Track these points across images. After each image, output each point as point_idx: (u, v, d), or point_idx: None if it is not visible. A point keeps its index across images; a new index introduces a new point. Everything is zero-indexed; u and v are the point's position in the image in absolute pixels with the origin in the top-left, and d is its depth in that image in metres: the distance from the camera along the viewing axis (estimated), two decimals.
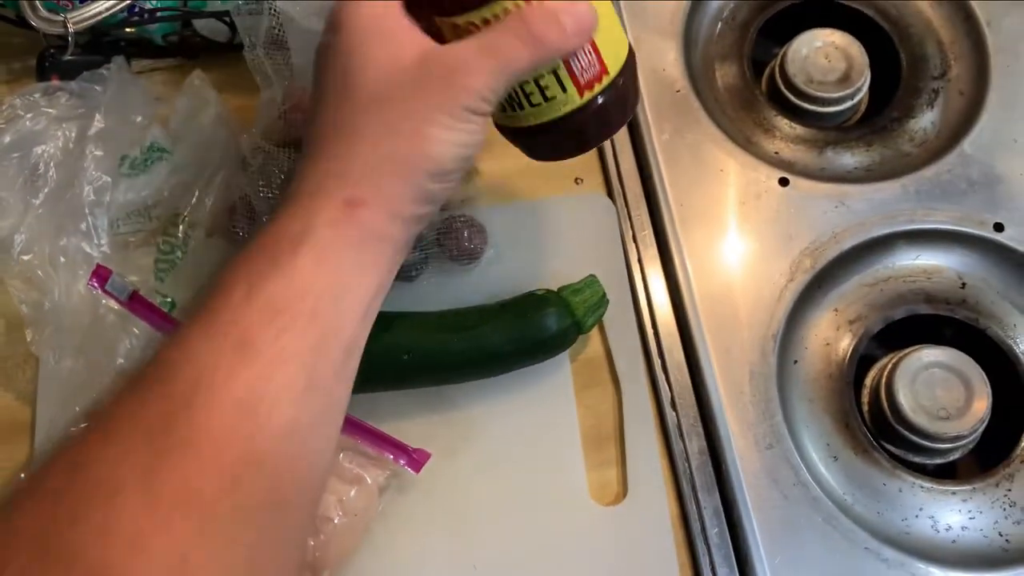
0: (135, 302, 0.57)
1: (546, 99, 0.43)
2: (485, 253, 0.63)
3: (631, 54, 0.46)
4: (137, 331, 0.58)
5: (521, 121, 0.45)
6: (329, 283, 0.39)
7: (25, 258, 0.61)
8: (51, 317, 0.61)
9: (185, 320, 0.41)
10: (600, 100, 0.44)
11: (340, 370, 0.40)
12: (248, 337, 0.37)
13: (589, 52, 0.43)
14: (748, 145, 0.68)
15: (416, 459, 0.57)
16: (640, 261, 0.64)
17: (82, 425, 0.60)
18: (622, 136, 0.68)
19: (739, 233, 0.64)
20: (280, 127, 0.61)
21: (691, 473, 0.58)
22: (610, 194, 0.67)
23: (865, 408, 0.63)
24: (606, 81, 0.44)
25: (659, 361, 0.61)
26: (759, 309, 0.62)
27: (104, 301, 0.60)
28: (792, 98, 0.70)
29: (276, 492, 0.36)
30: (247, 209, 0.62)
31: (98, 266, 0.57)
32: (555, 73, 0.42)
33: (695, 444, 0.59)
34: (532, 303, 0.59)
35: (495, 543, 0.57)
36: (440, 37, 0.42)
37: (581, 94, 0.43)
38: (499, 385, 0.60)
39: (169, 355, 0.38)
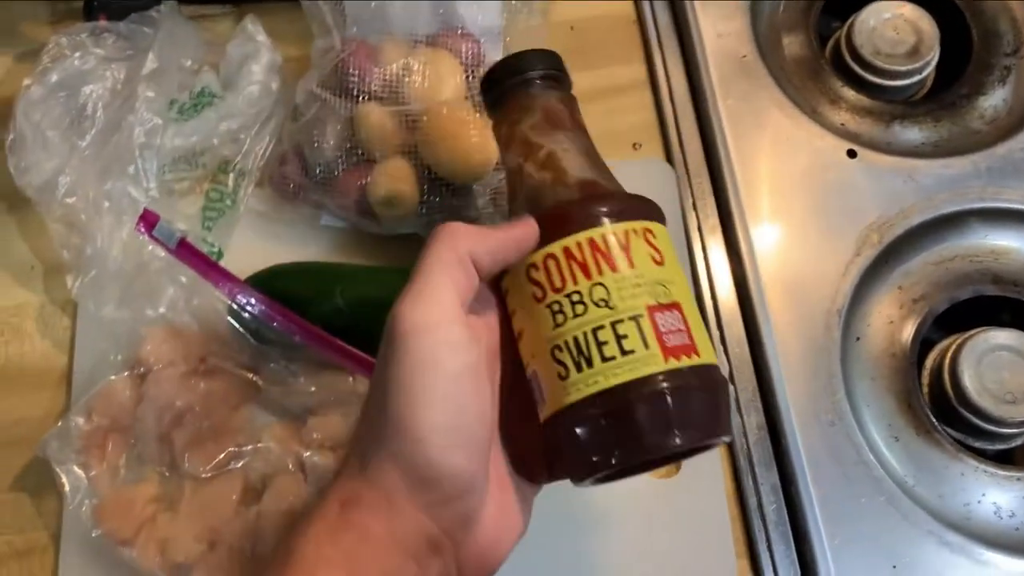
0: (183, 249, 0.55)
1: (623, 352, 0.35)
2: None
3: (722, 376, 0.38)
4: (185, 279, 0.56)
5: (580, 388, 0.35)
6: None
7: (69, 201, 0.59)
8: (93, 263, 0.59)
9: None
10: (686, 378, 0.35)
11: None
12: None
13: (677, 319, 0.36)
14: (814, 115, 0.66)
15: None
16: (700, 230, 0.62)
17: (124, 374, 0.58)
18: (683, 100, 0.66)
19: (804, 205, 0.62)
20: (336, 77, 0.59)
21: (748, 448, 0.57)
22: (669, 160, 0.65)
23: (925, 390, 0.61)
24: (697, 360, 0.36)
25: (718, 333, 0.59)
26: (823, 284, 0.60)
27: (150, 248, 0.58)
28: (858, 69, 0.68)
29: None
30: (298, 159, 0.60)
31: (146, 211, 0.55)
32: (637, 322, 0.35)
33: (753, 419, 0.57)
34: None
35: (544, 513, 0.56)
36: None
37: (665, 357, 0.35)
38: None
39: None
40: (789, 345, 0.58)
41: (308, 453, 0.55)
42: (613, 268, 0.36)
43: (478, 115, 0.58)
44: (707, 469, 0.56)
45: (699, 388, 0.36)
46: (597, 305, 0.35)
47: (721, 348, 0.59)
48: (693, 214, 0.63)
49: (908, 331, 0.61)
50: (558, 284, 0.36)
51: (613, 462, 0.36)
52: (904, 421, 0.59)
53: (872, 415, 0.59)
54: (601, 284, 0.36)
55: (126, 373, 0.58)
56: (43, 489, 0.59)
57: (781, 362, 0.58)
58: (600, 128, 0.66)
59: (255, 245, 0.62)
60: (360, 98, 0.58)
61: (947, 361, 0.60)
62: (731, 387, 0.38)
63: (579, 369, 0.35)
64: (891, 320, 0.62)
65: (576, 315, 0.35)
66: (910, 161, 0.63)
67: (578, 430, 0.35)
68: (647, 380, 0.35)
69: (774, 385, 0.57)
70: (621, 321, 0.35)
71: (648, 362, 0.35)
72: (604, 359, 0.35)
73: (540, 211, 0.38)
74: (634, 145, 0.66)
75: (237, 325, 0.56)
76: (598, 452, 0.36)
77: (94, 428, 0.57)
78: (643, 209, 0.39)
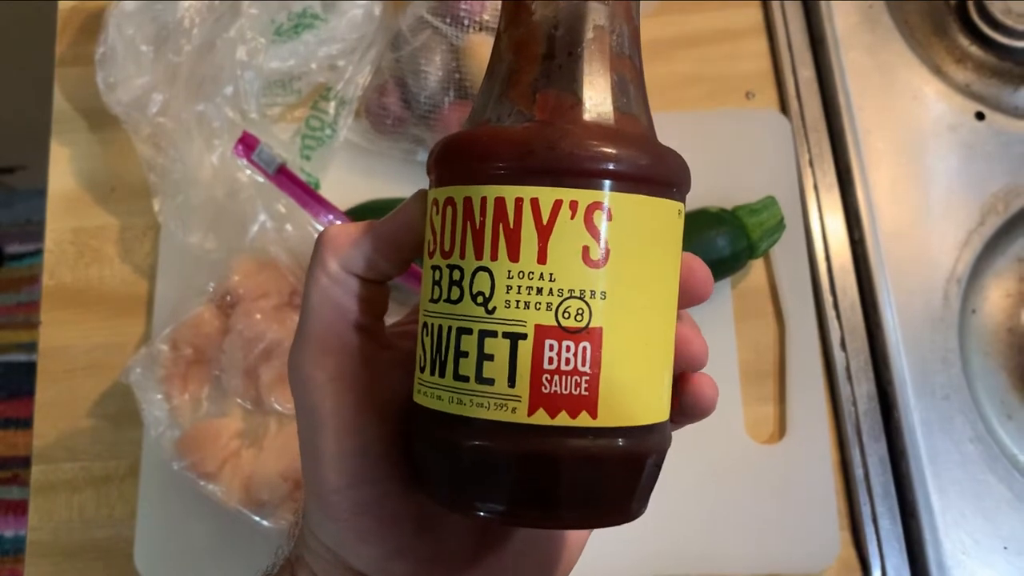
0: (282, 176, 0.53)
1: (480, 378, 0.25)
2: None
3: (660, 435, 0.27)
4: (283, 208, 0.54)
5: (425, 392, 0.26)
6: None
7: (159, 120, 0.57)
8: (181, 187, 0.57)
9: None
10: (554, 444, 0.24)
11: None
12: None
13: (582, 355, 0.24)
14: (939, 74, 0.62)
15: None
16: (816, 188, 0.59)
17: (211, 304, 0.56)
18: (802, 48, 0.63)
19: (928, 167, 0.59)
20: (447, 3, 0.55)
21: (857, 418, 0.55)
22: (784, 112, 0.62)
23: None
24: (584, 421, 0.24)
25: (830, 298, 0.57)
26: (944, 251, 0.57)
27: (241, 173, 0.56)
28: (986, 29, 0.64)
29: None
30: (399, 91, 0.57)
31: (245, 133, 0.53)
32: (513, 343, 0.24)
33: (864, 388, 0.55)
34: (704, 220, 0.55)
35: None
36: None
37: (532, 407, 0.24)
38: None
39: None
40: (906, 314, 0.56)
41: None
42: (513, 255, 0.24)
43: None
44: (812, 436, 0.54)
45: (561, 461, 0.25)
46: (474, 299, 0.25)
47: (834, 313, 0.57)
48: (809, 170, 0.60)
49: None
50: (446, 246, 0.25)
51: (436, 499, 0.26)
52: (1018, 400, 0.57)
53: (985, 391, 0.57)
54: (487, 271, 0.25)
55: (214, 303, 0.56)
56: (123, 417, 0.57)
57: (900, 331, 0.55)
58: (711, 73, 0.64)
59: (348, 179, 0.59)
60: (472, 28, 0.54)
61: None
62: (654, 463, 0.26)
63: (432, 369, 0.26)
64: (1009, 294, 0.59)
65: (449, 299, 0.25)
66: None
67: (417, 441, 0.27)
68: (493, 429, 0.24)
69: (889, 354, 0.55)
70: (494, 335, 0.24)
71: (504, 404, 0.24)
72: (456, 375, 0.25)
73: (478, 125, 0.26)
74: (747, 94, 0.62)
75: None
76: (420, 477, 0.27)
77: (178, 357, 0.55)
78: (605, 167, 0.25)
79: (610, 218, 0.25)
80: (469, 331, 0.25)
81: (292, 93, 0.59)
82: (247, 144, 0.53)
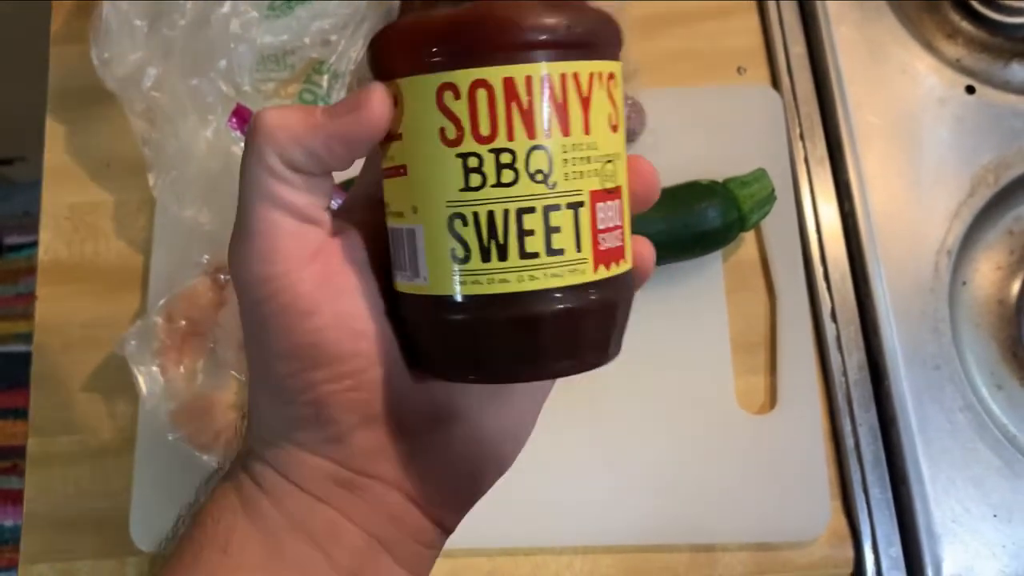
0: None
1: (550, 250, 0.26)
2: (642, 136, 0.59)
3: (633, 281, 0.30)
4: None
5: (480, 281, 0.26)
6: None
7: (154, 95, 0.57)
8: (176, 161, 0.57)
9: None
10: (610, 292, 0.27)
11: None
12: None
13: (616, 211, 0.27)
14: (929, 48, 0.62)
15: None
16: (807, 161, 0.60)
17: (206, 277, 0.56)
18: (793, 24, 0.63)
19: (918, 140, 0.59)
20: None
21: (848, 388, 0.55)
22: (776, 87, 0.62)
23: None
24: (623, 267, 0.28)
25: (821, 269, 0.57)
26: (934, 223, 0.57)
27: (236, 147, 0.56)
28: (976, 4, 0.64)
29: None
30: None
31: (239, 106, 0.53)
32: (576, 212, 0.26)
33: (855, 358, 0.55)
34: (696, 192, 0.55)
35: (633, 440, 0.54)
36: None
37: (596, 265, 0.26)
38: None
39: None
40: (896, 285, 0.56)
41: None
42: (565, 130, 0.26)
43: None
44: (803, 406, 0.55)
45: (618, 305, 0.28)
46: (532, 177, 0.25)
47: (825, 284, 0.57)
48: (800, 144, 0.60)
49: (1017, 278, 0.59)
50: (485, 132, 0.25)
51: (495, 376, 0.28)
52: (1008, 370, 0.57)
53: (975, 362, 0.57)
54: (544, 149, 0.25)
55: (208, 276, 0.56)
56: (118, 390, 0.57)
57: (890, 301, 0.55)
58: (702, 49, 0.64)
59: None
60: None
61: None
62: None
63: (486, 257, 0.26)
64: (1000, 266, 0.59)
65: (500, 183, 0.25)
66: None
67: (463, 330, 0.27)
68: (568, 292, 0.26)
69: (880, 325, 0.55)
70: (558, 208, 0.26)
71: (576, 269, 0.26)
72: (524, 254, 0.26)
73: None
74: (739, 69, 0.63)
75: None
76: (479, 362, 0.27)
77: (173, 330, 0.56)
78: (614, 37, 0.28)
79: (615, 84, 0.27)
80: (532, 209, 0.25)
81: (286, 68, 0.60)
82: (241, 117, 0.53)
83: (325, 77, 0.57)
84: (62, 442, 0.57)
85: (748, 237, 0.59)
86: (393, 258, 0.28)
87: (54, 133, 0.63)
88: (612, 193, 0.27)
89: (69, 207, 0.62)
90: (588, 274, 0.26)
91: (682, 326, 0.56)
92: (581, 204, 0.26)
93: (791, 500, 0.53)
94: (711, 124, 0.60)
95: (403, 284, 0.28)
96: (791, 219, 0.58)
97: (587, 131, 0.26)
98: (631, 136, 0.58)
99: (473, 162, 0.25)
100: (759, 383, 0.56)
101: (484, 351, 0.27)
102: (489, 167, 0.25)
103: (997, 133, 0.59)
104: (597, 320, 0.27)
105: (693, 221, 0.54)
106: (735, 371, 0.56)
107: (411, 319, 0.28)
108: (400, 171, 0.27)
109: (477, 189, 0.25)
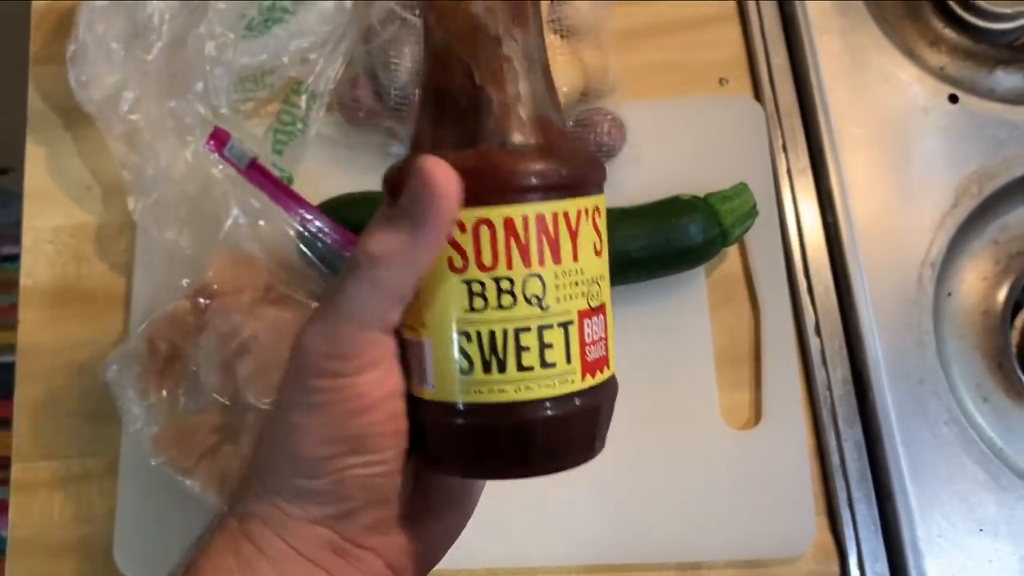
0: (254, 171, 0.53)
1: (544, 364, 0.29)
2: (622, 150, 0.58)
3: (615, 385, 0.33)
4: (257, 203, 0.54)
5: (482, 391, 0.30)
6: None
7: (132, 118, 0.57)
8: (155, 184, 0.57)
9: None
10: (596, 398, 0.31)
11: None
12: None
13: (601, 325, 0.31)
14: (912, 56, 0.62)
15: None
16: (790, 173, 0.59)
17: (187, 300, 0.56)
18: (775, 34, 0.62)
19: (901, 151, 0.59)
20: None
21: (832, 403, 0.55)
22: (758, 98, 0.62)
23: (1014, 350, 0.59)
24: (607, 374, 0.32)
25: (804, 283, 0.57)
26: (918, 234, 0.57)
27: (215, 169, 0.56)
28: (959, 10, 0.64)
29: None
30: (371, 83, 0.57)
31: (217, 128, 0.53)
32: (566, 330, 0.30)
33: (839, 372, 0.55)
34: (676, 208, 0.55)
35: (616, 457, 0.54)
36: None
37: (583, 375, 0.30)
38: (630, 295, 0.56)
39: None
40: (880, 297, 0.56)
41: None
42: (556, 259, 0.29)
43: (563, 40, 0.55)
44: (788, 422, 0.54)
45: (602, 409, 0.31)
46: (528, 302, 0.29)
47: (808, 297, 0.57)
48: (782, 156, 0.60)
49: (1002, 289, 0.58)
50: (487, 262, 0.29)
51: (490, 474, 0.32)
52: (994, 382, 0.57)
53: (960, 374, 0.57)
54: (538, 277, 0.29)
55: (189, 299, 0.56)
56: (102, 414, 0.57)
57: (873, 315, 0.55)
58: (683, 61, 0.63)
59: (321, 172, 0.59)
60: None
61: None
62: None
63: (487, 369, 0.29)
64: (985, 276, 0.59)
65: (500, 306, 0.29)
66: (1015, 109, 0.60)
67: (465, 434, 0.30)
68: (559, 401, 0.30)
69: (863, 338, 0.55)
70: (550, 327, 0.29)
71: (565, 379, 0.30)
72: (520, 367, 0.29)
73: (475, 148, 0.29)
74: (720, 80, 0.62)
75: (308, 252, 0.54)
76: (480, 460, 0.31)
77: (155, 354, 0.56)
78: (598, 175, 0.32)
79: (600, 215, 0.31)
80: (528, 329, 0.29)
81: (265, 87, 0.59)
82: (219, 139, 0.53)
83: (303, 97, 0.56)
84: (45, 467, 0.57)
85: (732, 250, 0.59)
86: (406, 365, 0.31)
87: (34, 155, 0.63)
88: (597, 310, 0.30)
89: (51, 230, 0.62)
90: (576, 383, 0.30)
91: (666, 342, 0.56)
92: (571, 323, 0.30)
93: (777, 516, 0.53)
94: (693, 137, 0.60)
95: (415, 388, 0.31)
96: (774, 232, 0.58)
97: (575, 259, 0.30)
98: (611, 153, 0.57)
99: (477, 287, 0.29)
100: (744, 398, 0.56)
101: (482, 453, 0.31)
102: (490, 292, 0.29)
103: (981, 142, 0.59)
104: (584, 424, 0.31)
105: (674, 237, 0.54)
106: (719, 386, 0.56)
107: (419, 420, 0.31)
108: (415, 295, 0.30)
109: (480, 311, 0.29)
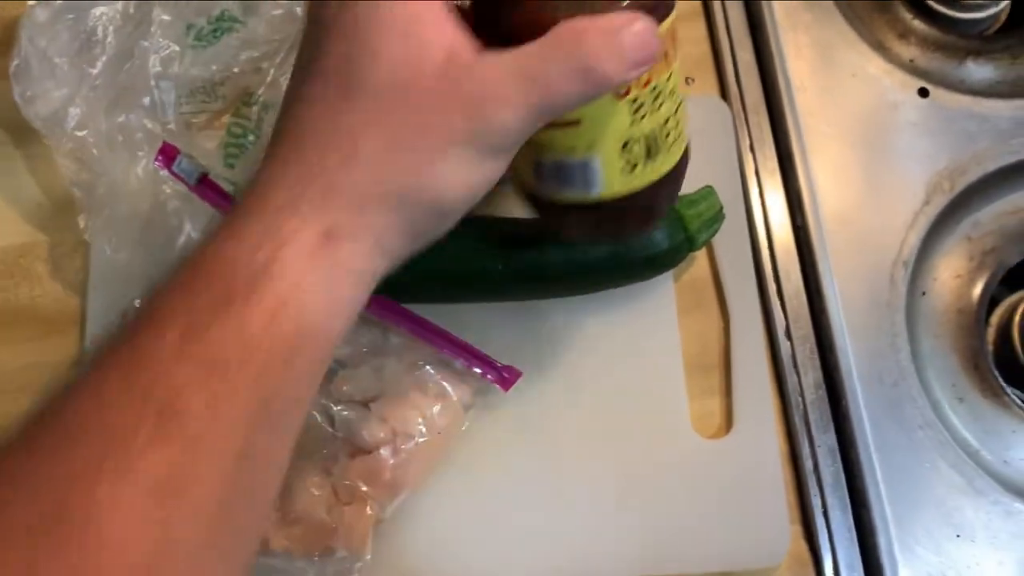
0: (204, 186, 0.51)
1: (677, 136, 0.39)
2: None
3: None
4: (206, 220, 0.52)
5: (648, 173, 0.39)
6: (285, 340, 0.31)
7: (79, 134, 0.55)
8: (106, 201, 0.55)
9: (106, 353, 0.32)
10: (682, 164, 0.41)
11: (281, 434, 0.33)
12: (175, 403, 0.29)
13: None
14: (881, 50, 0.61)
15: (507, 377, 0.52)
16: (757, 174, 0.58)
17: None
18: (741, 31, 0.61)
19: (871, 147, 0.58)
20: None
21: (804, 408, 0.53)
22: (724, 97, 0.60)
23: (991, 348, 0.58)
24: (687, 138, 0.41)
25: (774, 286, 0.56)
26: (889, 233, 0.56)
27: (167, 185, 0.54)
28: (930, 1, 0.62)
29: None
30: None
31: (165, 144, 0.51)
32: (681, 105, 0.39)
33: (810, 377, 0.54)
34: None
35: (585, 470, 0.53)
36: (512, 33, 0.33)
37: (685, 139, 0.40)
38: (596, 303, 0.55)
39: (80, 404, 0.31)
40: (851, 299, 0.54)
41: (338, 407, 0.52)
42: (675, 56, 0.36)
43: None
44: (760, 429, 0.53)
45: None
46: (671, 95, 0.37)
47: (778, 301, 0.55)
48: (750, 155, 0.58)
49: (977, 286, 0.57)
50: (644, 78, 0.35)
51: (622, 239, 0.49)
52: (969, 382, 0.55)
53: (935, 375, 0.56)
54: (672, 75, 0.36)
55: None
56: None
57: (844, 317, 0.54)
58: None
59: None
60: None
61: (1016, 319, 0.56)
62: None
63: (649, 156, 0.37)
64: (959, 274, 0.58)
65: (656, 109, 0.36)
66: (985, 102, 0.59)
67: (643, 208, 0.40)
68: (680, 164, 0.40)
69: (835, 342, 0.54)
70: (679, 106, 0.38)
71: (681, 144, 0.39)
72: (668, 147, 0.38)
73: None
74: (687, 80, 0.61)
75: None
76: (652, 218, 0.43)
77: None
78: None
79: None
80: (671, 117, 0.38)
81: (218, 99, 0.58)
82: (167, 155, 0.51)
83: (254, 108, 0.55)
84: None
85: (700, 254, 0.57)
86: (559, 178, 0.38)
87: None
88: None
89: (1, 250, 0.60)
90: (684, 146, 0.40)
91: (634, 350, 0.55)
92: (682, 100, 0.38)
93: (750, 526, 0.52)
94: None
95: (569, 196, 0.39)
96: (743, 235, 0.57)
97: (676, 51, 0.36)
98: None
99: (637, 103, 0.35)
100: (714, 406, 0.55)
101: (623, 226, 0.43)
102: (648, 103, 0.36)
103: (951, 137, 0.57)
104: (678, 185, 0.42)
105: (639, 244, 0.53)
106: (689, 394, 0.54)
107: (565, 218, 0.41)
108: (573, 123, 0.35)
109: (639, 121, 0.36)
